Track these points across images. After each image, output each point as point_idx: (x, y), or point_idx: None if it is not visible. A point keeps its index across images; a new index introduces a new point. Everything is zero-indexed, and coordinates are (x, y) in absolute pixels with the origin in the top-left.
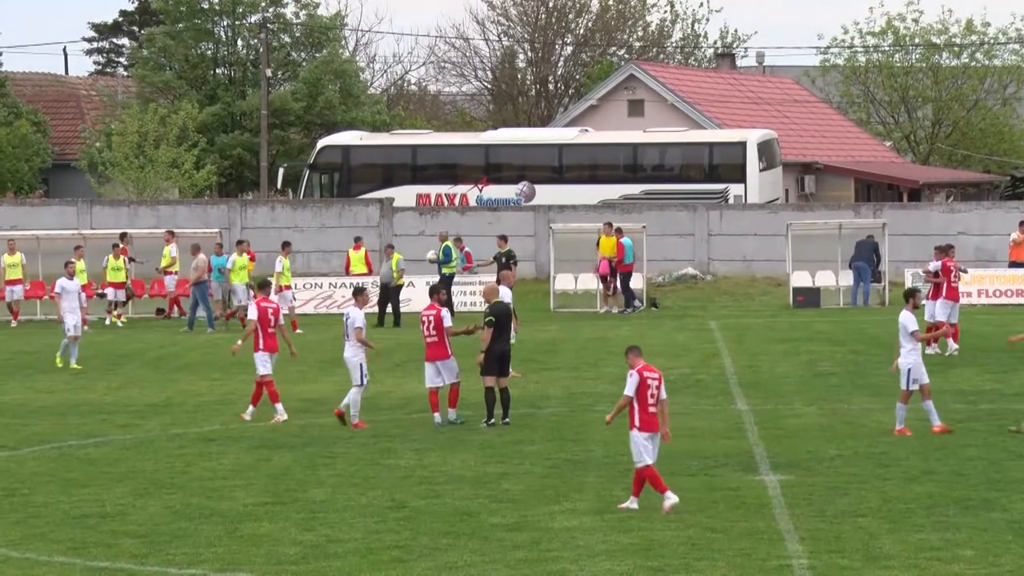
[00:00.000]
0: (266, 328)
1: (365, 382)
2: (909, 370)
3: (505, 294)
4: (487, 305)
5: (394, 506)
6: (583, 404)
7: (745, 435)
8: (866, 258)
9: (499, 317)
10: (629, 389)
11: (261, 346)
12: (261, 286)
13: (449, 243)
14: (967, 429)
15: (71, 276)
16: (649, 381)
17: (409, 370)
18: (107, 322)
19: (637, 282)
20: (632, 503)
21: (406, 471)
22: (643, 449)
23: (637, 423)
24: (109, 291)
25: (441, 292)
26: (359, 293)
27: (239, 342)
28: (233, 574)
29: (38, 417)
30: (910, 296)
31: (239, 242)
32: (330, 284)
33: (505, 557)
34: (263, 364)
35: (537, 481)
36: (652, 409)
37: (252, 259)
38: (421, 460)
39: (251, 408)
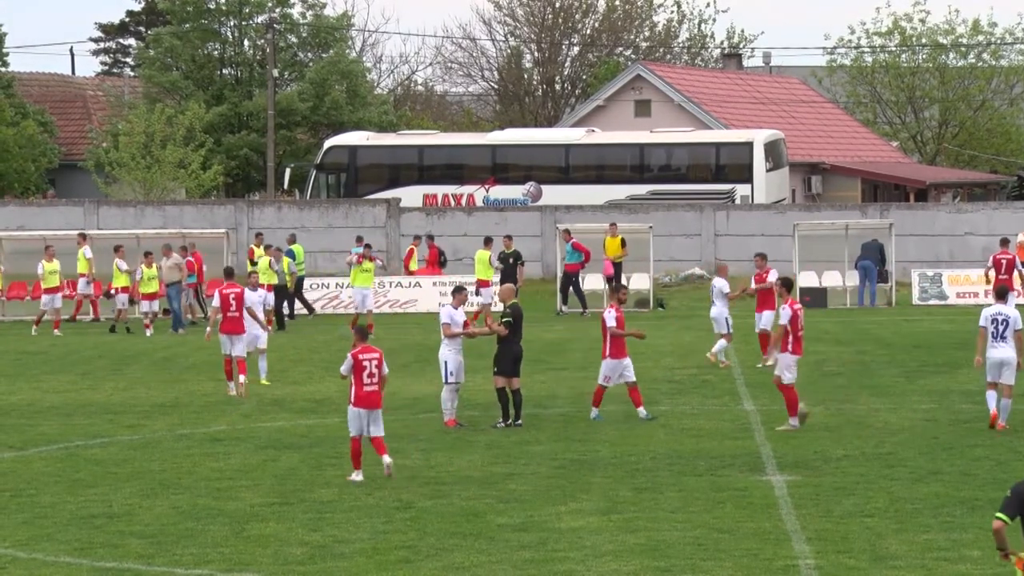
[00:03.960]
0: (226, 312)
1: (451, 380)
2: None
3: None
4: (504, 305)
5: (401, 506)
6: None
7: (752, 435)
8: (872, 258)
9: (515, 318)
10: None
11: (221, 328)
12: (227, 274)
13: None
14: (974, 429)
15: (253, 288)
16: (365, 363)
17: (415, 371)
18: (148, 333)
19: (643, 282)
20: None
21: (413, 471)
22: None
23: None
24: (121, 296)
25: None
26: (458, 292)
27: (208, 329)
28: (240, 574)
29: (45, 417)
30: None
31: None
32: (337, 284)
33: (512, 557)
34: (223, 344)
35: (544, 481)
36: (368, 387)
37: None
38: (428, 460)
39: (229, 383)
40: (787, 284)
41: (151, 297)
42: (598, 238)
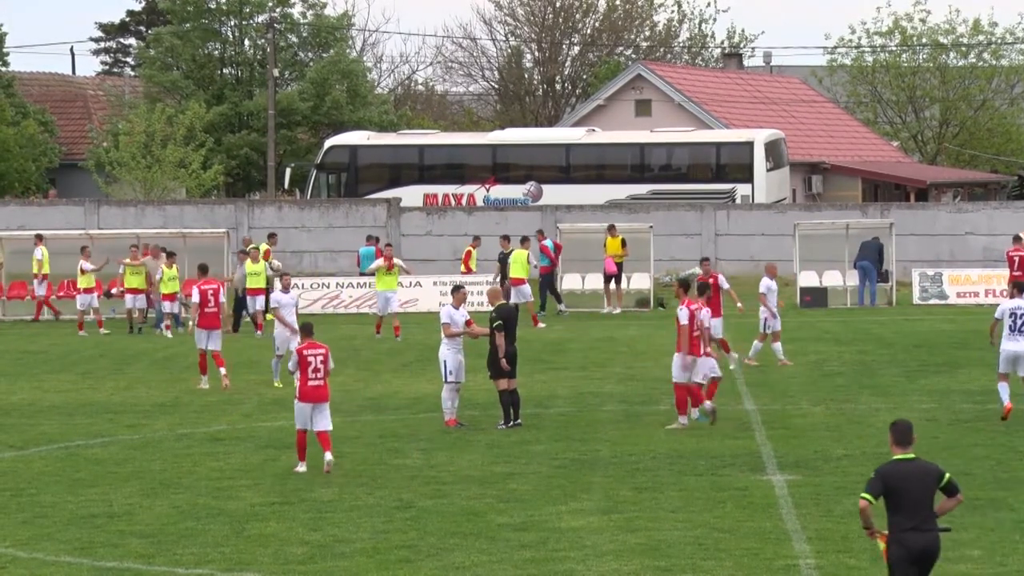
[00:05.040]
0: (204, 307)
1: (450, 379)
2: None
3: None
4: (492, 309)
5: (401, 506)
6: (590, 404)
7: (752, 435)
8: (870, 258)
9: (506, 320)
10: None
11: (198, 323)
12: (203, 271)
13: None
14: (975, 428)
15: (286, 289)
16: (310, 359)
17: (416, 370)
18: (167, 334)
19: (644, 282)
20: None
21: (413, 471)
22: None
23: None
24: (129, 297)
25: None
26: (457, 291)
27: (191, 323)
28: (240, 574)
29: (45, 417)
30: None
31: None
32: (337, 284)
33: (512, 557)
34: (199, 339)
35: (544, 481)
36: (313, 382)
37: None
38: (428, 460)
39: (203, 377)
40: (684, 285)
41: (171, 298)
42: (598, 238)
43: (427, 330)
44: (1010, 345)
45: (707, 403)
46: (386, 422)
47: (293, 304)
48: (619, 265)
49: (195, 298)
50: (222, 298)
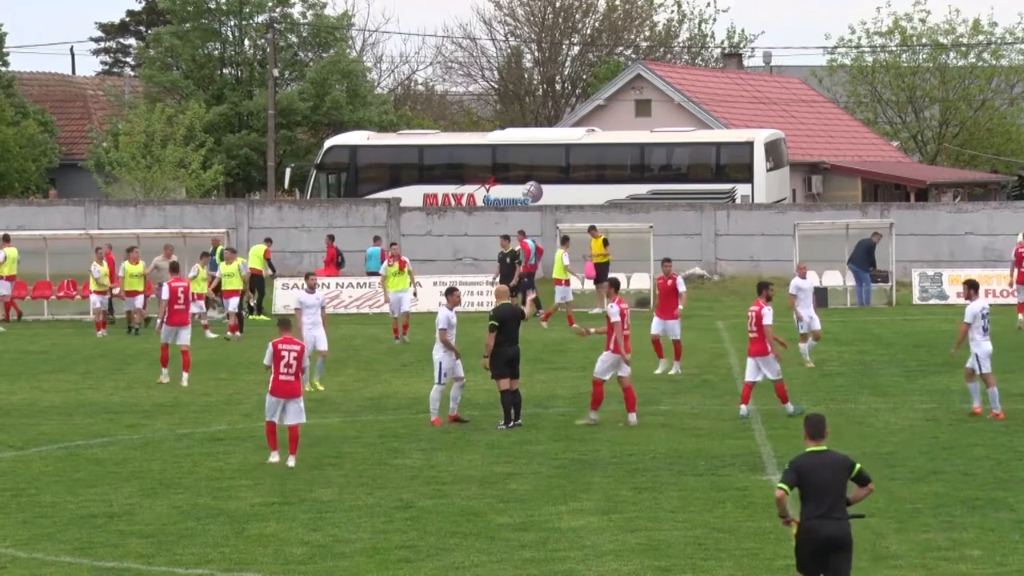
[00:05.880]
0: (174, 305)
1: (443, 381)
2: None
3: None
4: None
5: (401, 506)
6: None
7: (752, 435)
8: (856, 259)
9: (503, 321)
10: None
11: (167, 320)
12: (174, 269)
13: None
14: (974, 429)
15: (311, 289)
16: (284, 353)
17: (416, 371)
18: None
19: (644, 282)
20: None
21: (413, 471)
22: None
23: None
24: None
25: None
26: (451, 293)
27: (159, 320)
28: (240, 574)
29: (45, 417)
30: None
31: (392, 244)
32: (337, 284)
33: (512, 557)
34: (166, 335)
35: (544, 481)
36: (284, 377)
37: (402, 266)
38: (428, 460)
39: (163, 370)
40: (615, 284)
41: (200, 297)
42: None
43: (427, 330)
44: (987, 345)
45: (789, 405)
46: (386, 422)
47: (319, 304)
48: (602, 265)
49: (164, 295)
50: (305, 304)
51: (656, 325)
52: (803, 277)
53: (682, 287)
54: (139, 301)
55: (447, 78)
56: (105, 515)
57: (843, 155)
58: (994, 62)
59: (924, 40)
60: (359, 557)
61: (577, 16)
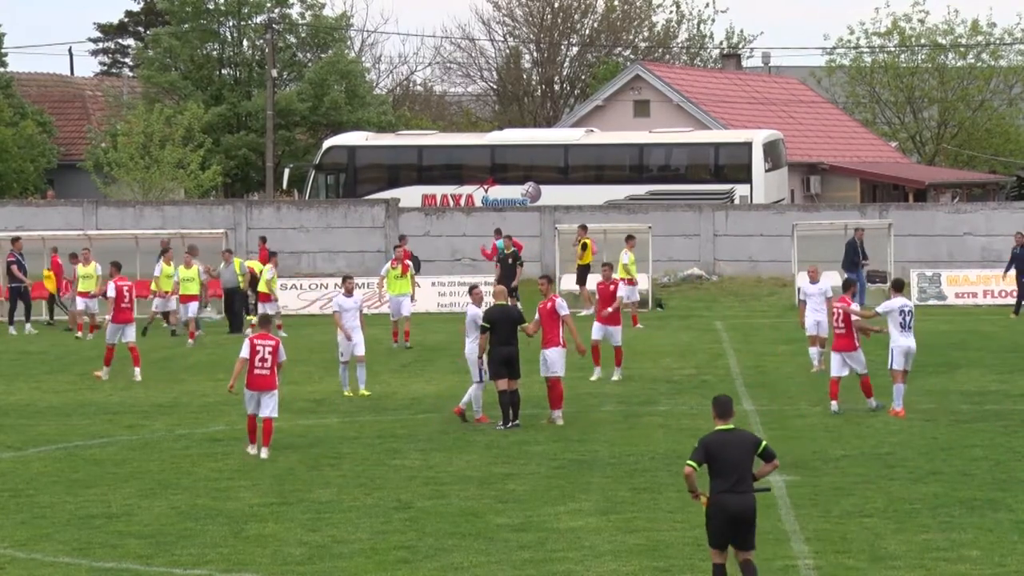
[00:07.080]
0: (120, 303)
1: (485, 379)
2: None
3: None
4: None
5: (400, 507)
6: (588, 404)
7: None
8: (843, 262)
9: (494, 322)
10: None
11: (113, 318)
12: (117, 267)
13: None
14: (973, 430)
15: (349, 293)
16: (259, 348)
17: (415, 371)
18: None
19: (643, 282)
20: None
21: (412, 472)
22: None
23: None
24: (170, 301)
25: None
26: (472, 290)
27: (107, 317)
28: (239, 574)
29: (44, 418)
30: None
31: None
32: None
33: (511, 557)
34: (112, 333)
35: (543, 481)
36: (259, 371)
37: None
38: (427, 460)
39: (105, 367)
40: (549, 279)
41: (192, 298)
42: (596, 239)
43: (424, 331)
44: (904, 341)
45: (872, 400)
46: (384, 422)
47: (356, 308)
48: (583, 268)
49: (111, 293)
50: (341, 308)
51: (597, 330)
52: (814, 281)
53: (622, 292)
54: (93, 303)
55: (446, 79)
56: (103, 515)
57: (842, 156)
58: (993, 63)
59: (923, 41)
60: (358, 558)
61: (576, 17)
